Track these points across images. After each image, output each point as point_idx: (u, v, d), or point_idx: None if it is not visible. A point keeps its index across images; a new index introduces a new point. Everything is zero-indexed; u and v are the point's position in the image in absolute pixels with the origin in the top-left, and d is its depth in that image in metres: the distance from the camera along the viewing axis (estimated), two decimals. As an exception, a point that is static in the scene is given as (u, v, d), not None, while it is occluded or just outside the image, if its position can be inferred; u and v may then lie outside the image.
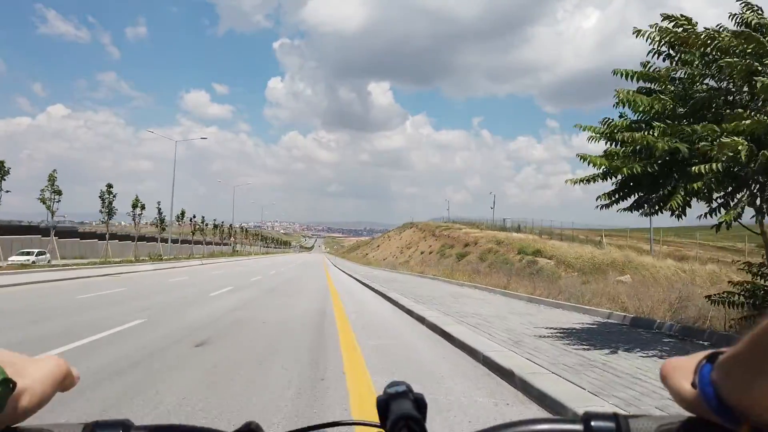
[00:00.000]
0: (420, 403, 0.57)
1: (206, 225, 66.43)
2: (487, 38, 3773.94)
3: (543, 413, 4.08)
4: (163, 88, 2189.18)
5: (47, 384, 0.50)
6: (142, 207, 40.06)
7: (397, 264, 50.85)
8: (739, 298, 7.24)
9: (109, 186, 34.76)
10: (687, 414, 0.48)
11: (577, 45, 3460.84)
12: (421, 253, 51.56)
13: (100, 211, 35.25)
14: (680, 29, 6.55)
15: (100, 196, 33.97)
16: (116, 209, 35.52)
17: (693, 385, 0.45)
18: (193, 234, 61.64)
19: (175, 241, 55.07)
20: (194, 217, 62.05)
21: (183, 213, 57.13)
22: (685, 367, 0.47)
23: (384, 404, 0.56)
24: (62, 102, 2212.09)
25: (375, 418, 0.57)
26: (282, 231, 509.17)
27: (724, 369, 0.43)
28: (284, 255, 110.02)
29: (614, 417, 0.50)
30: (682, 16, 6.61)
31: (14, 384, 0.46)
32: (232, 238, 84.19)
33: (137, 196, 40.33)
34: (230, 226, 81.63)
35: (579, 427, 0.50)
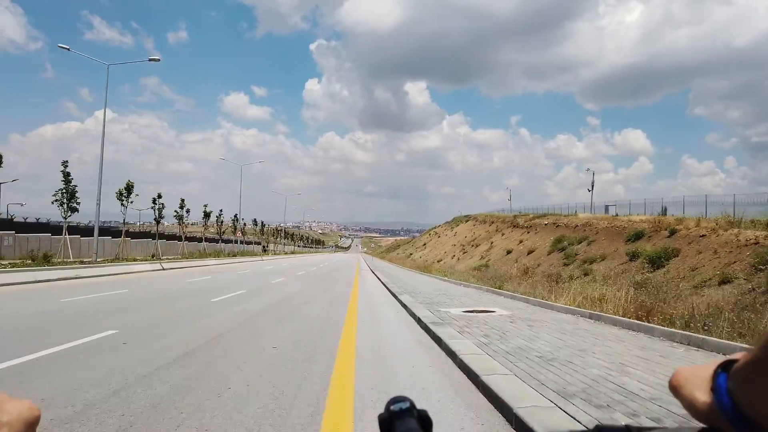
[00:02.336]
0: (425, 421, 0.54)
1: (244, 225, 63.01)
2: (525, 35, 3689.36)
3: None
4: (204, 91, 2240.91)
5: (22, 423, 0.50)
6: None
7: (469, 268, 33.76)
8: None
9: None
10: (700, 425, 0.45)
11: (619, 39, 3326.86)
12: (508, 252, 34.19)
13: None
14: None
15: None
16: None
17: (713, 391, 0.43)
18: (221, 233, 54.15)
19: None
20: (220, 217, 56.45)
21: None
22: (698, 377, 0.45)
23: (387, 423, 0.53)
24: (109, 106, 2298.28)
25: None
26: (320, 231, 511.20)
27: (741, 377, 0.41)
28: (314, 255, 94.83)
29: (626, 429, 0.48)
30: None
31: None
32: (269, 237, 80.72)
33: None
34: (262, 225, 79.05)
35: None
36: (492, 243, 41.44)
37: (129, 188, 31.41)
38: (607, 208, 41.45)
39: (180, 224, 44.32)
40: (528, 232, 35.92)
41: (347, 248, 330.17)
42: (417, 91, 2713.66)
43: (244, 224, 59.58)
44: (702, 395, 0.44)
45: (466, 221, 73.94)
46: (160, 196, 38.21)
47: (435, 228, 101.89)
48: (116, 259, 30.10)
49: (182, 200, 42.50)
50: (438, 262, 51.23)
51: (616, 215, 29.57)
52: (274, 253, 77.27)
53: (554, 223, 32.58)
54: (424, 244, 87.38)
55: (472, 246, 48.00)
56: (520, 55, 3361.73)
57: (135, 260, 29.50)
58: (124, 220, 32.97)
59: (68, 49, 27.83)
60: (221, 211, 48.15)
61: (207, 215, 51.27)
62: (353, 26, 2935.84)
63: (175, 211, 42.64)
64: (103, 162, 27.41)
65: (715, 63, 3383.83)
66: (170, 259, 33.97)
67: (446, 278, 24.47)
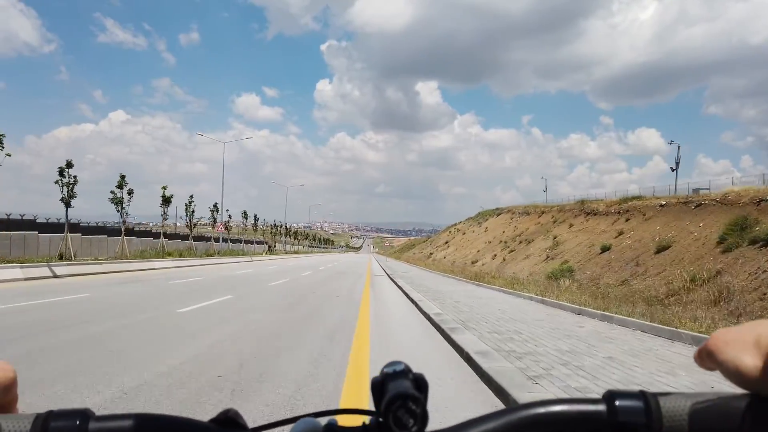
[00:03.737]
0: (420, 383, 0.50)
1: (229, 218, 52.34)
2: (537, 33, 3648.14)
3: None
4: (216, 92, 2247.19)
5: None
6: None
7: (537, 272, 22.15)
8: None
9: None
10: (734, 391, 0.42)
11: (633, 37, 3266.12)
12: (604, 250, 22.11)
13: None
14: None
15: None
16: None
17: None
18: (191, 227, 39.66)
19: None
20: (227, 216, 51.86)
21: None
22: (740, 340, 0.41)
23: (379, 385, 0.50)
24: (122, 108, 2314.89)
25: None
26: (331, 231, 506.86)
27: None
28: (321, 255, 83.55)
29: (641, 395, 0.45)
30: None
31: None
32: (265, 235, 73.68)
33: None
34: (268, 224, 73.83)
35: (602, 407, 0.45)
36: (556, 238, 29.66)
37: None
38: (697, 190, 29.80)
39: (162, 222, 35.48)
40: (626, 220, 24.05)
41: (358, 248, 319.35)
42: (428, 91, 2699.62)
43: (230, 217, 48.30)
44: (751, 359, 0.40)
45: (498, 215, 62.09)
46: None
47: (456, 225, 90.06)
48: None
49: (163, 188, 32.24)
50: (474, 263, 39.47)
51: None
52: (271, 253, 66.08)
53: (683, 202, 20.65)
54: (446, 243, 75.58)
55: (521, 242, 36.18)
56: (531, 53, 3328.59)
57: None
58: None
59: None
60: (189, 202, 36.87)
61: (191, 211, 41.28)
62: (364, 26, 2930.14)
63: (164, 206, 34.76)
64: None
65: (731, 60, 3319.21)
66: (82, 261, 22.74)
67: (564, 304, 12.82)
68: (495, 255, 38.17)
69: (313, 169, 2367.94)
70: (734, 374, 0.41)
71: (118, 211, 27.03)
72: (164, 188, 31.89)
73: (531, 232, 37.40)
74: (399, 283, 18.76)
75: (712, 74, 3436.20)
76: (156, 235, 39.86)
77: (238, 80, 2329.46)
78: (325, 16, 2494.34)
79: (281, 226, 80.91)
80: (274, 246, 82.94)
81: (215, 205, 42.39)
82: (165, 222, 31.92)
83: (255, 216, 61.19)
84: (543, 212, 41.61)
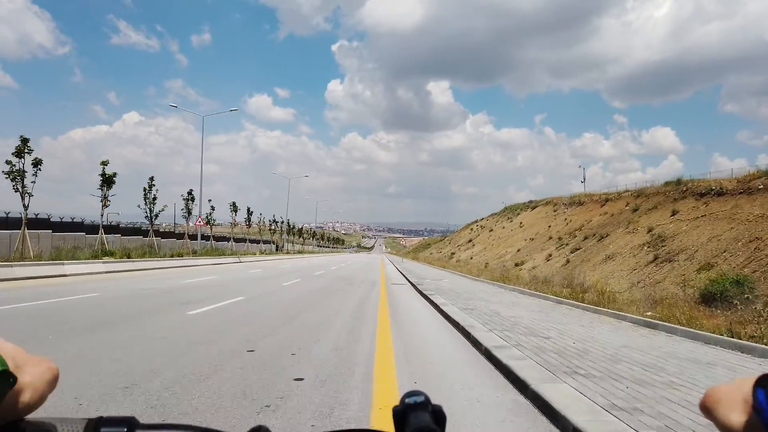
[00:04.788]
0: (438, 416, 0.53)
1: (212, 209, 44.19)
2: (550, 31, 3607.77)
3: None
4: (228, 93, 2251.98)
5: (45, 383, 0.49)
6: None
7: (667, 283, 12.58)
8: None
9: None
10: None
11: (647, 35, 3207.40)
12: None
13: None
14: None
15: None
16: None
17: (755, 410, 0.41)
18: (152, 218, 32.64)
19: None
20: (210, 208, 43.15)
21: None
22: (731, 397, 0.43)
23: (401, 415, 0.53)
24: (135, 109, 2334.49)
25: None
26: (343, 232, 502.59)
27: None
28: (328, 256, 74.85)
29: None
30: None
31: (15, 379, 0.45)
32: (273, 235, 67.64)
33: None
34: (274, 223, 67.54)
35: None
36: (653, 230, 20.47)
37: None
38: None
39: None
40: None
41: (370, 248, 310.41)
42: (440, 91, 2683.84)
43: (212, 208, 39.55)
44: (738, 416, 0.41)
45: (532, 207, 52.94)
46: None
47: (477, 221, 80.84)
48: None
49: (103, 163, 23.27)
50: (519, 266, 30.29)
51: None
52: (270, 254, 57.48)
53: None
54: (470, 241, 66.35)
55: (587, 238, 26.96)
56: (544, 52, 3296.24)
57: None
58: None
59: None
60: (150, 186, 27.91)
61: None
62: (375, 26, 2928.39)
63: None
64: None
65: (748, 58, 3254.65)
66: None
67: None
68: (550, 255, 28.96)
69: (325, 170, 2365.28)
70: (725, 430, 0.42)
71: (16, 189, 18.41)
72: (104, 164, 23.19)
73: (598, 225, 28.19)
74: (451, 314, 9.81)
75: (728, 72, 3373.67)
76: (144, 233, 31.57)
77: (250, 81, 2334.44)
78: (336, 16, 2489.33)
79: (282, 223, 72.16)
80: (282, 245, 74.56)
81: (190, 193, 33.74)
82: (106, 209, 23.28)
83: (248, 209, 52.29)
84: (607, 200, 32.36)
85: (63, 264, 17.72)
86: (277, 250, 69.38)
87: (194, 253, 34.35)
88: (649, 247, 19.31)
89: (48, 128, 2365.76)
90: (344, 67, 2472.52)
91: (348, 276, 22.18)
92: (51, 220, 22.94)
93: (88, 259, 21.26)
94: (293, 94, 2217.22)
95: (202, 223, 36.05)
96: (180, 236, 37.25)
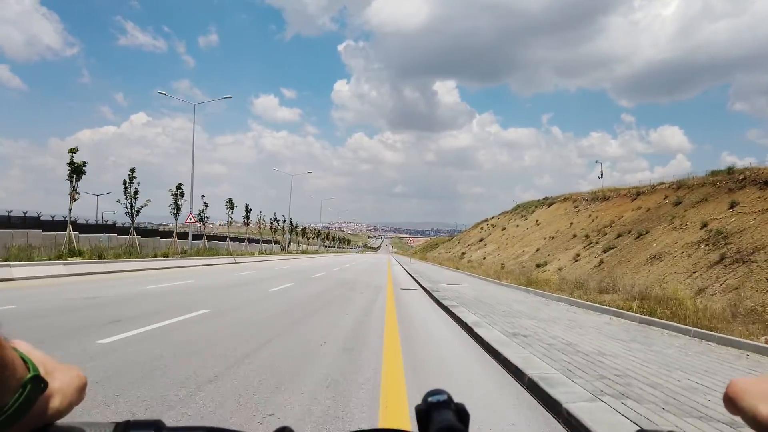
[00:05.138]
0: (461, 414, 0.52)
1: (205, 206, 40.29)
2: (556, 31, 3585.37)
3: None
4: (234, 93, 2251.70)
5: (73, 390, 0.50)
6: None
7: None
8: None
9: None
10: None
11: (654, 34, 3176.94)
12: None
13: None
14: None
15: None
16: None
17: None
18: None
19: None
20: (203, 205, 39.58)
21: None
22: (758, 389, 0.42)
23: (424, 414, 0.51)
24: (143, 110, 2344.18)
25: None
26: (349, 231, 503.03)
27: None
28: (331, 256, 71.91)
29: None
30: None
31: (46, 384, 0.45)
32: (275, 234, 65.34)
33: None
34: (275, 222, 64.30)
35: None
36: (707, 225, 17.39)
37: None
38: None
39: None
40: None
41: (377, 248, 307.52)
42: (446, 91, 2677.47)
43: (205, 205, 36.62)
44: (766, 408, 0.41)
45: (549, 204, 49.74)
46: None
47: (487, 220, 77.66)
48: None
49: (72, 151, 20.19)
50: (541, 266, 27.18)
51: None
52: (266, 253, 54.69)
53: None
54: (481, 240, 63.22)
55: (621, 236, 23.83)
56: (551, 51, 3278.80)
57: None
58: None
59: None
60: (131, 179, 25.00)
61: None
62: (381, 26, 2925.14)
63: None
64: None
65: (756, 56, 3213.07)
66: None
67: None
68: (578, 255, 25.80)
69: (331, 170, 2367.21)
70: (752, 422, 0.42)
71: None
72: (73, 151, 20.38)
73: (632, 221, 25.05)
74: (496, 345, 6.84)
75: (737, 70, 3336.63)
76: (142, 233, 28.87)
77: (257, 82, 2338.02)
78: (342, 16, 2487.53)
79: (284, 222, 69.31)
80: (288, 246, 71.90)
81: (179, 188, 30.95)
82: (75, 202, 20.51)
83: (246, 206, 49.34)
84: (638, 193, 29.19)
85: (9, 266, 14.92)
86: (282, 250, 66.74)
87: (184, 253, 31.56)
88: (707, 245, 16.19)
89: (56, 129, 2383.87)
90: (350, 67, 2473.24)
91: (350, 279, 19.25)
92: (11, 216, 20.15)
93: (51, 259, 18.47)
94: (300, 95, 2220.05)
95: (193, 221, 33.26)
96: (166, 234, 34.47)
